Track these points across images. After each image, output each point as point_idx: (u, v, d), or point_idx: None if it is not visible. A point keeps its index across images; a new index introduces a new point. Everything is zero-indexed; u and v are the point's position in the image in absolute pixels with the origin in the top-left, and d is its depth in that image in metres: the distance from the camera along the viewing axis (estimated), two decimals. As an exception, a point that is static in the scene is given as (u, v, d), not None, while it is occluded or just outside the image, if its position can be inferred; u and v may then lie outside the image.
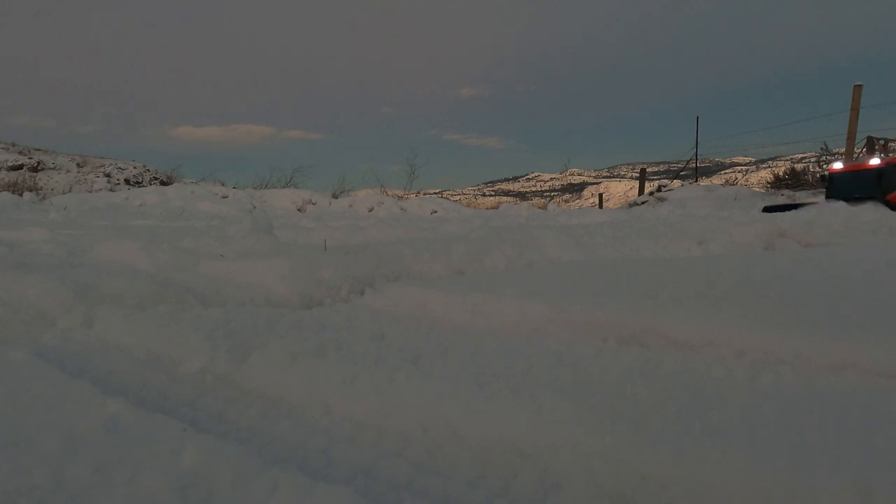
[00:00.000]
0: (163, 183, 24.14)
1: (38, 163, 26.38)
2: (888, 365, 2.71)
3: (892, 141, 14.02)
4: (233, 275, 5.56)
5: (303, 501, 1.79)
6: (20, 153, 27.36)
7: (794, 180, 15.70)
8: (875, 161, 12.73)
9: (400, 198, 21.12)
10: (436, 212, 17.66)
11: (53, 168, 26.46)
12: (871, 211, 10.00)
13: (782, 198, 13.33)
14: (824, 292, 3.92)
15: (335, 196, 20.40)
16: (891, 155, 13.76)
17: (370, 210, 17.85)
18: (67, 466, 1.98)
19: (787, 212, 10.52)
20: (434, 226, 11.68)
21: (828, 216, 9.20)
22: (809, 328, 3.12)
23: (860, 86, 12.82)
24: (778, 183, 16.40)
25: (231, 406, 2.73)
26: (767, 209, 11.87)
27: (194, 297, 4.84)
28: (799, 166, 17.38)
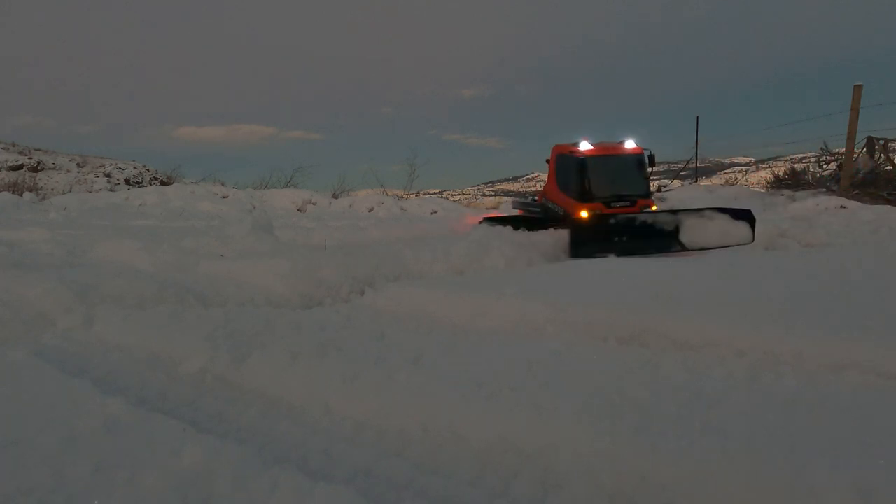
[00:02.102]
0: (163, 183, 24.14)
1: (38, 163, 26.39)
2: (888, 365, 2.71)
3: (892, 141, 14.00)
4: (233, 275, 5.56)
5: (303, 501, 1.79)
6: (20, 153, 27.36)
7: (794, 180, 15.68)
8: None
9: (400, 198, 21.13)
10: (436, 212, 17.67)
11: (53, 168, 26.47)
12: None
13: (782, 197, 13.30)
14: (824, 292, 3.92)
15: (335, 196, 20.41)
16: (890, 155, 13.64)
17: (370, 210, 17.86)
18: (67, 466, 1.98)
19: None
20: (434, 226, 11.67)
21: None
22: (809, 328, 3.12)
23: (860, 86, 12.79)
24: (778, 183, 16.40)
25: (231, 406, 2.73)
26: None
27: (194, 297, 4.84)
28: (799, 166, 17.37)
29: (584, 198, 8.33)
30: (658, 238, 7.19)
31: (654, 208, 8.23)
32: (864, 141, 14.00)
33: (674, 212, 7.65)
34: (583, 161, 8.35)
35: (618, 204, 8.16)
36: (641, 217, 7.44)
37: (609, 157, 8.56)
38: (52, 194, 20.59)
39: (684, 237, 7.15)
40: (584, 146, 8.50)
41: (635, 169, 8.51)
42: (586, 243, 7.37)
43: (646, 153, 8.62)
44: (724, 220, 7.20)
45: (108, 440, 2.18)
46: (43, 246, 7.69)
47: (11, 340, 3.70)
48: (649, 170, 8.72)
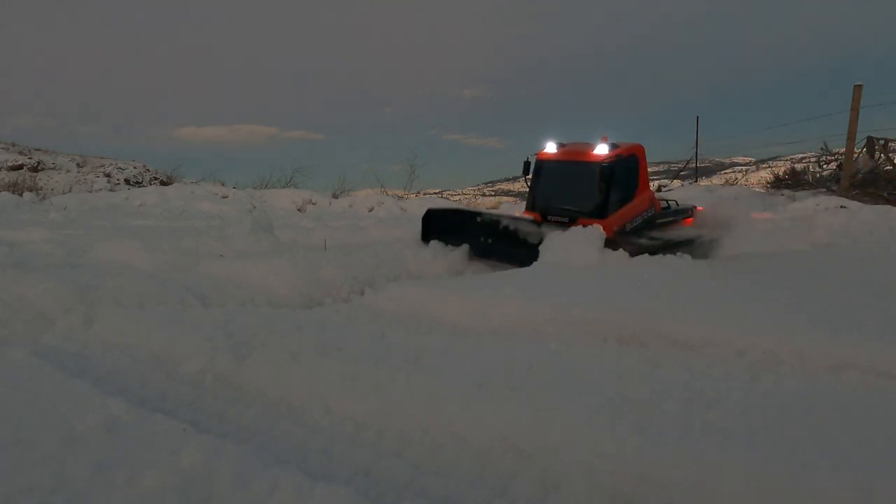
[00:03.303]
0: (163, 183, 24.14)
1: (38, 163, 26.38)
2: (888, 365, 2.71)
3: (892, 141, 14.01)
4: (233, 275, 5.56)
5: (303, 501, 1.79)
6: (20, 153, 27.35)
7: (794, 180, 15.69)
8: None
9: (400, 198, 21.12)
10: (436, 212, 17.65)
11: (53, 168, 26.46)
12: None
13: (782, 197, 13.31)
14: (823, 292, 3.92)
15: (335, 196, 20.40)
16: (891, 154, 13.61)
17: (370, 210, 17.85)
18: (67, 466, 1.98)
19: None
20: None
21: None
22: (809, 328, 3.12)
23: (860, 86, 12.80)
24: (778, 183, 16.41)
25: (231, 406, 2.74)
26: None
27: (194, 297, 4.84)
28: (799, 166, 17.38)
29: (528, 204, 7.53)
30: (519, 248, 6.29)
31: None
32: (864, 141, 14.00)
33: (538, 224, 6.64)
34: (535, 164, 7.59)
35: (554, 217, 7.01)
36: (505, 222, 6.76)
37: (558, 164, 7.41)
38: (52, 194, 20.58)
39: (542, 254, 5.86)
40: (547, 148, 7.51)
41: (586, 181, 6.88)
42: (442, 233, 7.13)
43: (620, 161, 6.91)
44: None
45: (108, 440, 2.18)
46: (43, 246, 7.69)
47: (11, 340, 3.70)
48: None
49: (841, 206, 10.72)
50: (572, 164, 7.29)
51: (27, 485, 1.89)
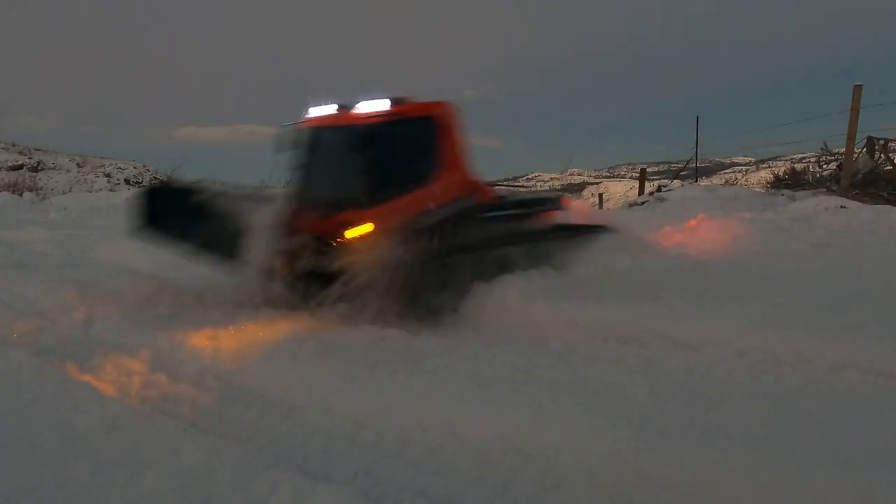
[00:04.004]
0: (163, 183, 24.14)
1: (38, 163, 26.37)
2: (888, 365, 2.71)
3: (892, 141, 13.98)
4: (233, 275, 5.56)
5: (303, 501, 1.79)
6: (20, 153, 27.34)
7: (794, 180, 15.67)
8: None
9: (400, 198, 21.10)
10: (436, 212, 17.62)
11: (53, 168, 26.44)
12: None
13: (782, 197, 13.30)
14: (824, 292, 3.92)
15: (335, 196, 20.39)
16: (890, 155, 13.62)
17: (370, 210, 17.83)
18: (67, 466, 1.98)
19: None
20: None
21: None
22: (809, 328, 3.12)
23: (860, 86, 12.76)
24: (778, 183, 16.39)
25: (231, 406, 2.74)
26: None
27: (194, 296, 4.84)
28: (799, 166, 17.35)
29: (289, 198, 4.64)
30: (221, 238, 4.11)
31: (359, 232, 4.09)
32: (864, 141, 13.98)
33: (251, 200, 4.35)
34: (294, 138, 4.99)
35: (312, 213, 4.41)
36: (210, 196, 4.24)
37: (317, 133, 4.87)
38: (52, 194, 20.55)
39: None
40: (314, 113, 4.85)
41: (347, 154, 4.67)
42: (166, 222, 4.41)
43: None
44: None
45: (108, 440, 2.18)
46: (43, 246, 7.69)
47: (11, 340, 3.70)
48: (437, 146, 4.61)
49: (841, 206, 10.69)
50: (332, 133, 4.83)
51: (27, 485, 1.89)
